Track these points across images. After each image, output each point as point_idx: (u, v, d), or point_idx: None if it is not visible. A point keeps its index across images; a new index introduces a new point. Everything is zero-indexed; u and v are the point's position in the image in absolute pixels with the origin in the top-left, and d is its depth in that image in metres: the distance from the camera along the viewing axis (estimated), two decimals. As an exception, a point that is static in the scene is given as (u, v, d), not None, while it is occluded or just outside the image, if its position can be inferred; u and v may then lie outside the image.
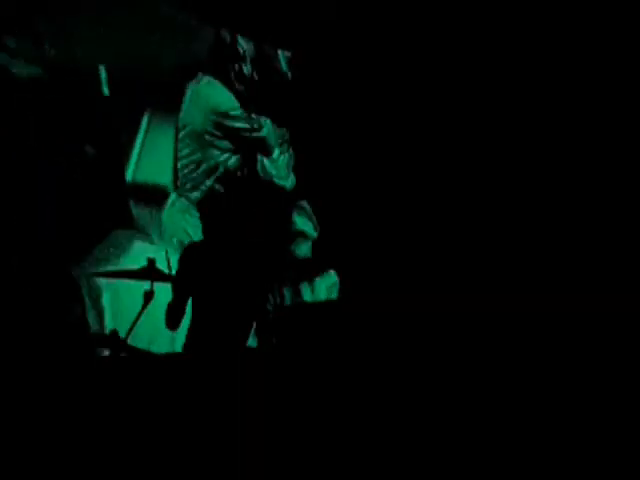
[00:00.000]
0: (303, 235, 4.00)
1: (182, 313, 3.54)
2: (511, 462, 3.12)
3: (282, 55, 4.17)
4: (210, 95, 4.43)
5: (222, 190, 3.77)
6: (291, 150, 4.28)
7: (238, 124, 4.48)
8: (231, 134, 4.41)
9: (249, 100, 4.35)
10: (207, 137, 4.36)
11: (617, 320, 3.18)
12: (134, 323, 3.83)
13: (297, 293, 3.93)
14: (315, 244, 3.62)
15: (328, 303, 3.39)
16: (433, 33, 3.47)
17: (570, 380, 3.19)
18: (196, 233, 4.23)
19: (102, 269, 4.26)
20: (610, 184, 3.30)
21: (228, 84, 4.46)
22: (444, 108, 3.49)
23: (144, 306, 3.82)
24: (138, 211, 4.54)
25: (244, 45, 4.33)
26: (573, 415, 3.16)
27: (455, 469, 3.16)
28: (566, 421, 3.16)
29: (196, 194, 4.43)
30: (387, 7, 3.56)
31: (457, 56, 3.46)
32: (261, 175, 4.36)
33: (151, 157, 4.67)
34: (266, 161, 4.41)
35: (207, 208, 3.66)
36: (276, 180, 4.27)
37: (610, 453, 3.08)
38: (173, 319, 3.53)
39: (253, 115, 4.41)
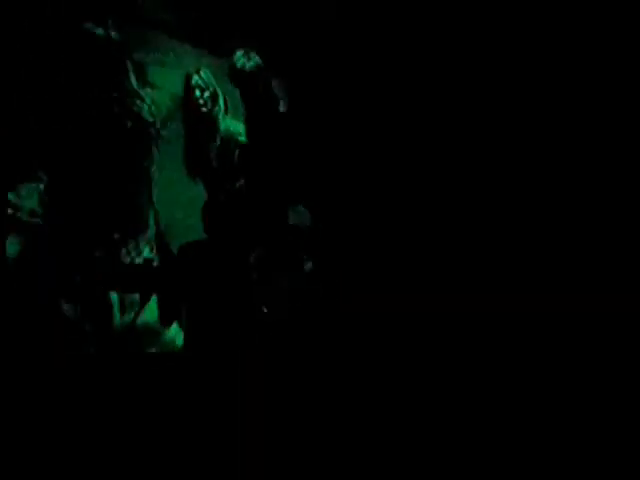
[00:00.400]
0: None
1: (176, 312, 3.55)
2: (509, 463, 3.12)
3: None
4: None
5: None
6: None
7: None
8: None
9: None
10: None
11: (617, 320, 3.19)
12: (132, 322, 3.83)
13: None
14: (314, 244, 3.63)
15: (327, 303, 3.40)
16: (433, 33, 3.49)
17: (570, 380, 3.20)
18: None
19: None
20: (610, 184, 3.32)
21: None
22: (444, 108, 3.50)
23: (141, 306, 3.81)
24: None
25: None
26: (573, 415, 3.17)
27: (454, 470, 3.16)
28: (566, 421, 3.16)
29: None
30: (387, 7, 3.57)
31: (457, 56, 3.48)
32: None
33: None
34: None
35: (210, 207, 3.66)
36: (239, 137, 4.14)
37: (610, 453, 3.09)
38: (166, 317, 3.53)
39: None
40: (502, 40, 3.51)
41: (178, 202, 4.02)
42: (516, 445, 3.20)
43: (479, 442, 3.20)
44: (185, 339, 3.52)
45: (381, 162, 3.61)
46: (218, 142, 4.13)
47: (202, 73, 4.08)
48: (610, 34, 3.38)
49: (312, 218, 3.58)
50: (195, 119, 4.09)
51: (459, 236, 3.47)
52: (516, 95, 3.47)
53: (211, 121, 4.11)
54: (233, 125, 4.15)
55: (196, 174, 4.10)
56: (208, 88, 4.04)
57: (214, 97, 4.12)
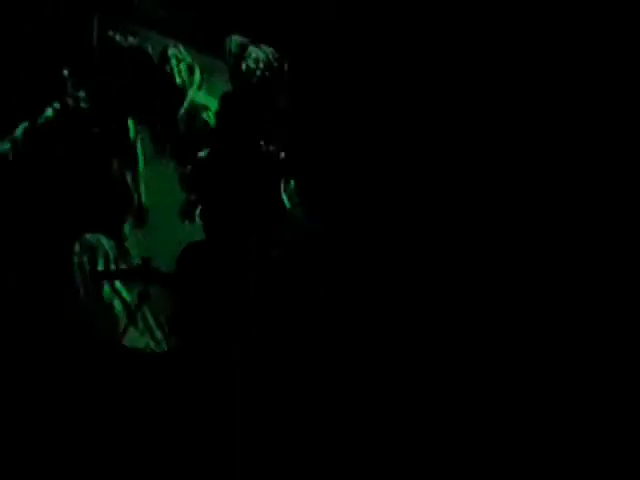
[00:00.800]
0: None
1: (183, 315, 3.55)
2: (509, 462, 3.12)
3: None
4: None
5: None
6: None
7: None
8: None
9: None
10: None
11: (617, 320, 3.19)
12: (128, 324, 3.81)
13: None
14: (315, 244, 3.63)
15: (327, 302, 3.40)
16: (434, 34, 3.49)
17: (570, 380, 3.20)
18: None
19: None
20: (610, 184, 3.33)
21: None
22: (444, 109, 3.51)
23: (138, 307, 3.79)
24: None
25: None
26: (573, 415, 3.17)
27: (454, 470, 3.16)
28: (566, 421, 3.16)
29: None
30: (387, 7, 3.58)
31: (457, 57, 3.49)
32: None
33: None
34: None
35: (209, 207, 3.66)
36: None
37: (609, 453, 3.09)
38: (176, 323, 3.53)
39: None
40: (502, 40, 3.52)
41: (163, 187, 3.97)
42: (516, 444, 3.19)
43: (479, 441, 3.20)
44: (184, 336, 3.52)
45: (381, 163, 3.61)
46: (183, 113, 4.08)
47: (180, 47, 4.05)
48: (610, 34, 3.40)
49: (311, 219, 3.57)
50: (167, 89, 4.05)
51: (459, 236, 3.47)
52: (516, 95, 3.48)
53: (181, 92, 4.07)
54: (203, 99, 4.10)
55: (165, 144, 4.05)
56: (185, 60, 4.01)
57: (190, 69, 4.08)
